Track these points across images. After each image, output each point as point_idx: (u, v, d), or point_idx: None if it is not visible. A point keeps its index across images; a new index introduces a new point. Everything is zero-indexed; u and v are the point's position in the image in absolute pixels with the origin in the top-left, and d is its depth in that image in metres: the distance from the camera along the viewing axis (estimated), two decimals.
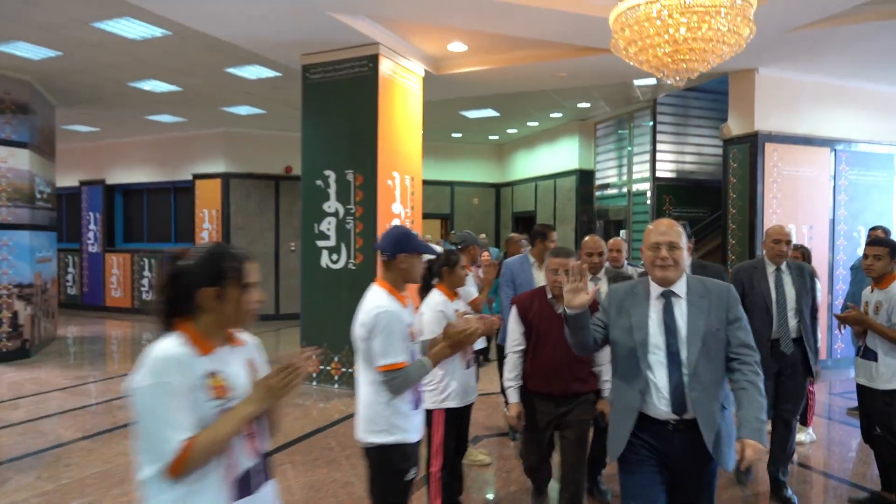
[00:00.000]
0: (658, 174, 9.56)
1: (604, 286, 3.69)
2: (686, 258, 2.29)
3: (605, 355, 3.05)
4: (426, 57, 7.02)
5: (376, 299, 2.38)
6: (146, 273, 12.65)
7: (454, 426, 3.22)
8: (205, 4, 5.24)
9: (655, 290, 2.30)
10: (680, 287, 2.29)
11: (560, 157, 11.69)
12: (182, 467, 1.47)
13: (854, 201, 7.76)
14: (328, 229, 6.50)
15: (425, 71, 7.07)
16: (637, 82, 8.26)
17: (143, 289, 12.69)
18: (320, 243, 6.55)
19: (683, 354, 2.21)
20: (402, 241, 2.44)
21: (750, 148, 7.32)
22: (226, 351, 1.65)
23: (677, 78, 3.64)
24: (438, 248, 3.66)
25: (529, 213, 12.58)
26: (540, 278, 4.07)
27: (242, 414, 1.55)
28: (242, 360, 1.69)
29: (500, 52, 6.80)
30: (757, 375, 2.23)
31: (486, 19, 5.59)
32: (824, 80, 7.49)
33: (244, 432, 1.59)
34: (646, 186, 9.82)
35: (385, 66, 6.32)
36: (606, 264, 4.06)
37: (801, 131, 7.45)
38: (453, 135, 12.47)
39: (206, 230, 11.81)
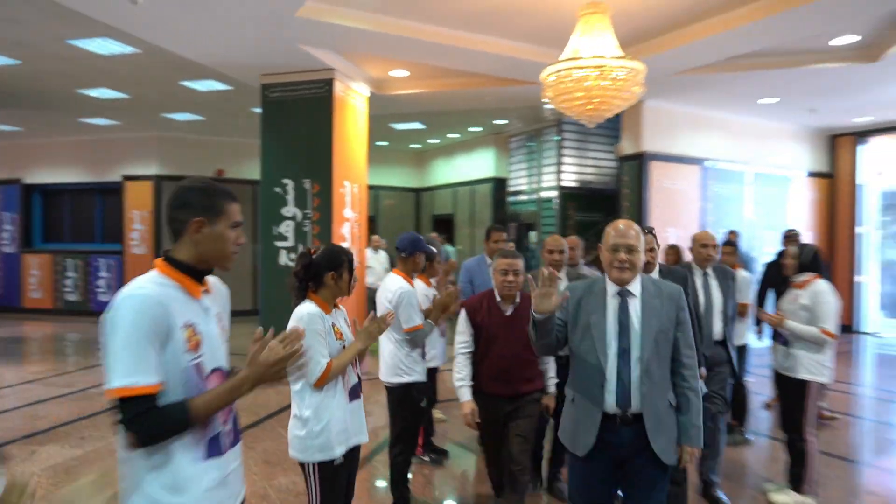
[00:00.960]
0: (563, 183, 11.02)
1: (562, 284, 3.78)
2: (642, 260, 2.41)
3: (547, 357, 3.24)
4: (372, 80, 7.99)
5: (398, 282, 3.42)
6: (70, 274, 12.66)
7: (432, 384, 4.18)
8: (185, 31, 5.93)
9: (612, 288, 2.39)
10: (635, 287, 2.39)
11: (477, 165, 12.96)
12: (325, 380, 2.46)
13: (717, 209, 9.53)
14: (286, 231, 7.33)
15: (370, 92, 8.05)
16: (547, 106, 9.63)
17: (66, 290, 12.68)
18: (279, 244, 7.37)
19: (635, 352, 2.31)
20: (417, 243, 3.50)
21: (638, 164, 8.88)
22: (336, 313, 2.64)
23: (590, 120, 4.88)
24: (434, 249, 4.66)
25: (448, 216, 13.77)
26: None
27: (353, 351, 2.55)
28: (342, 320, 2.69)
29: (437, 78, 7.89)
30: (696, 380, 2.37)
31: (429, 56, 6.67)
32: (695, 110, 9.19)
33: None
34: (553, 194, 11.26)
35: (338, 88, 7.24)
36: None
37: (677, 151, 9.10)
38: (378, 143, 13.43)
39: (137, 231, 12.07)
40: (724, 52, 6.40)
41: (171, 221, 1.65)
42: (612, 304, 2.37)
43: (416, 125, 11.40)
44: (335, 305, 2.65)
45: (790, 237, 6.49)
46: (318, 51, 6.54)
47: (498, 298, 3.21)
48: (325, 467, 2.49)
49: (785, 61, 6.96)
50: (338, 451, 2.50)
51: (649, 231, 3.35)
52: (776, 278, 5.56)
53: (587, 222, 11.12)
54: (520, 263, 3.12)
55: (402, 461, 3.48)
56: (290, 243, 7.32)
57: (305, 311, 2.49)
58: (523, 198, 12.16)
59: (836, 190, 10.92)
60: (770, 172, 10.19)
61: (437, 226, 14.22)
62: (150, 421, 1.44)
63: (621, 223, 2.42)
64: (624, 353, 2.30)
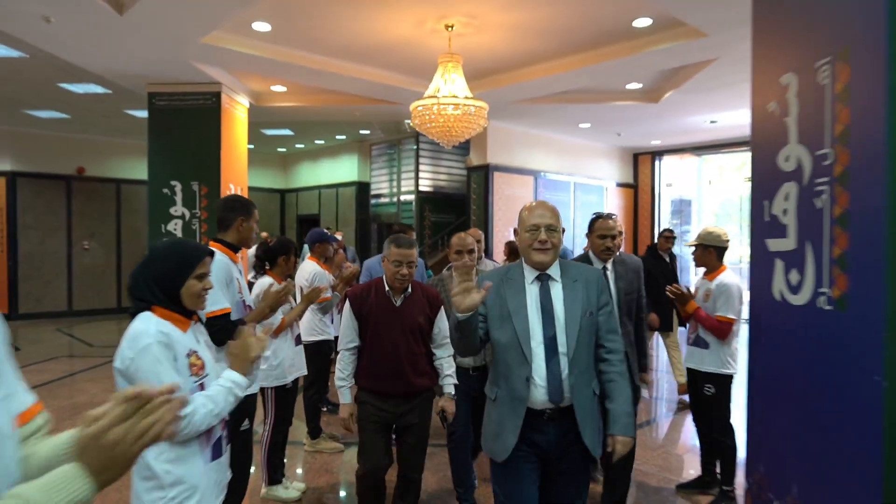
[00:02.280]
0: (420, 188, 12.47)
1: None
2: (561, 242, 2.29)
3: (446, 348, 3.04)
4: (253, 93, 8.83)
5: (313, 266, 4.53)
6: None
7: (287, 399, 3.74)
8: (86, 45, 6.46)
9: (530, 274, 2.26)
10: (555, 271, 2.27)
11: (341, 170, 14.03)
12: (282, 328, 3.55)
13: None
14: (175, 229, 7.97)
15: (250, 103, 8.88)
16: (408, 121, 11.01)
17: None
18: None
19: (562, 339, 2.17)
20: (323, 235, 4.63)
21: (484, 174, 10.52)
22: (284, 286, 3.73)
23: (447, 143, 6.27)
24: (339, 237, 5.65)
25: (314, 216, 14.68)
26: None
27: (298, 309, 3.64)
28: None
29: (312, 94, 8.92)
30: (623, 364, 2.26)
31: (311, 79, 7.72)
32: (530, 131, 11.04)
33: None
34: (411, 197, 12.67)
35: (225, 100, 8.03)
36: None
37: (516, 164, 10.88)
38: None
39: None
40: (549, 89, 8.15)
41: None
42: (531, 290, 2.23)
43: (286, 131, 12.23)
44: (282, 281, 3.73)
45: (668, 237, 6.48)
46: (209, 68, 7.33)
47: (387, 288, 2.96)
48: (279, 391, 3.65)
49: (595, 97, 8.89)
50: (288, 379, 3.66)
51: (609, 216, 3.37)
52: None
53: (441, 223, 12.72)
54: (415, 254, 2.91)
55: (317, 399, 4.60)
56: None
57: (267, 281, 3.55)
58: (384, 200, 13.44)
59: (638, 197, 13.43)
60: (588, 183, 12.38)
61: (301, 226, 15.06)
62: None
63: (535, 203, 2.31)
64: (550, 343, 2.16)
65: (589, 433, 2.19)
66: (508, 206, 10.71)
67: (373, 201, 13.64)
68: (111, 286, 12.67)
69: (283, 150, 14.77)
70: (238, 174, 8.55)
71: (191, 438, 1.75)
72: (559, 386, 2.14)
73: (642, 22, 6.05)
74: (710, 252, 3.75)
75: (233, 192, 8.33)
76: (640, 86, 8.43)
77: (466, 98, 5.97)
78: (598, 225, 3.38)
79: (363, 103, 8.98)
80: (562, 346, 2.17)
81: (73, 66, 7.26)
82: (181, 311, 1.85)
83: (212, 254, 1.97)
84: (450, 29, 6.18)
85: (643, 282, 3.46)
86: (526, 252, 2.26)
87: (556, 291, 2.24)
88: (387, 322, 2.93)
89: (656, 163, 13.28)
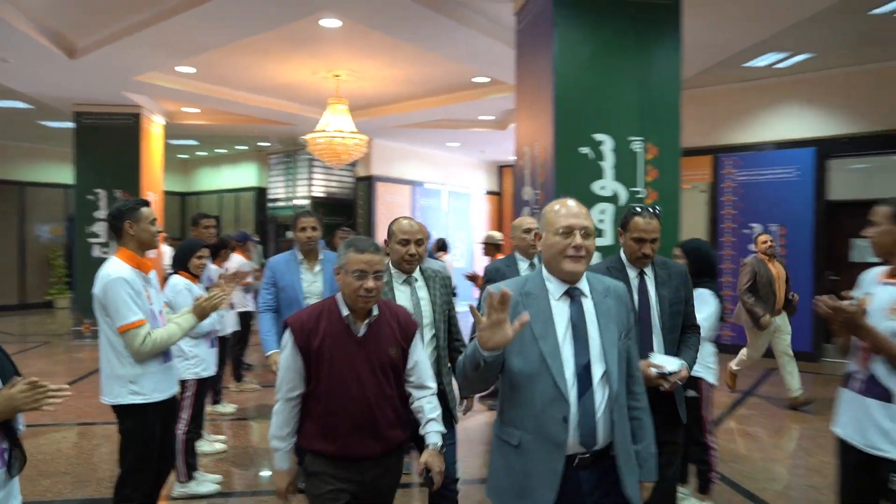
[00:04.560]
0: (313, 193, 14.18)
1: (421, 287, 2.84)
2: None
3: (428, 387, 2.28)
4: (168, 113, 10.27)
5: (240, 260, 6.27)
6: None
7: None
8: (30, 75, 7.74)
9: (557, 288, 1.84)
10: (584, 284, 1.87)
11: (242, 176, 15.41)
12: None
13: (425, 218, 13.58)
14: (100, 231, 9.29)
15: (166, 121, 10.30)
16: (302, 137, 12.74)
17: None
18: (91, 240, 9.29)
19: (597, 369, 1.78)
20: (249, 236, 6.39)
21: (368, 184, 12.47)
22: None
23: (336, 165, 8.18)
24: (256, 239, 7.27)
25: (215, 219, 15.94)
26: (311, 281, 3.70)
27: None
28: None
29: (222, 115, 10.48)
30: (646, 398, 1.95)
31: (224, 107, 9.33)
32: (409, 147, 13.13)
33: None
34: (305, 202, 14.36)
35: (144, 121, 9.44)
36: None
37: (396, 175, 12.91)
38: None
39: None
40: (418, 119, 10.26)
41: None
42: (560, 308, 1.82)
43: (191, 141, 13.54)
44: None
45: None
46: (135, 96, 8.76)
47: (345, 313, 2.13)
48: (200, 384, 3.95)
49: (457, 124, 11.10)
50: (204, 374, 3.95)
51: (656, 214, 2.69)
52: None
53: (333, 224, 14.50)
54: (382, 261, 2.14)
55: (239, 354, 6.34)
56: (103, 240, 9.31)
57: (182, 283, 3.80)
58: (281, 204, 15.03)
59: (502, 204, 15.89)
60: (459, 191, 14.65)
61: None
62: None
63: (565, 200, 1.87)
64: (584, 373, 1.76)
65: (631, 482, 1.80)
66: (390, 211, 12.71)
67: (270, 205, 15.16)
68: (13, 283, 13.35)
69: (186, 156, 15.92)
70: (154, 182, 9.96)
71: (155, 356, 2.72)
72: (593, 426, 1.75)
73: (481, 79, 8.25)
74: (490, 248, 5.64)
75: (150, 198, 9.76)
76: (492, 117, 10.71)
77: (351, 133, 7.91)
78: (635, 224, 2.62)
79: (265, 124, 10.66)
80: (597, 377, 1.77)
81: (4, 86, 8.42)
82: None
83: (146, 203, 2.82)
84: (338, 77, 8.08)
85: (692, 290, 2.82)
86: (555, 260, 1.81)
87: (589, 309, 1.83)
88: (348, 359, 2.10)
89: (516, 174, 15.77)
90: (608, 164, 4.32)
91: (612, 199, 4.31)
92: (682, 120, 4.52)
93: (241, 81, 8.45)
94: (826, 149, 7.90)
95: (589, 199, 4.28)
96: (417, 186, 13.48)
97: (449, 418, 2.73)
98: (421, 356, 2.30)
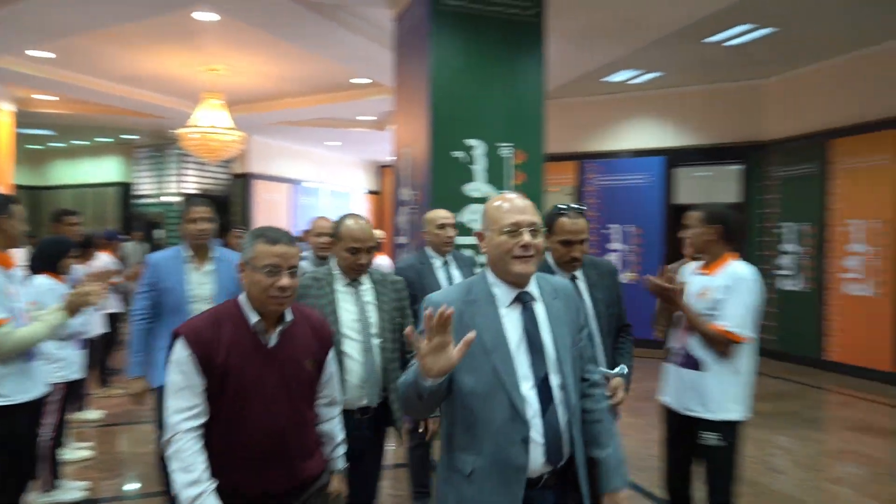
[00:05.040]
0: (183, 190, 13.57)
1: (368, 291, 2.53)
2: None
3: (335, 404, 2.02)
4: (18, 99, 9.46)
5: (107, 258, 5.97)
6: None
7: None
8: None
9: (506, 293, 1.66)
10: (534, 287, 1.69)
11: (104, 170, 14.43)
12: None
13: (303, 216, 13.42)
14: None
15: (17, 108, 9.49)
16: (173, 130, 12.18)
17: None
18: None
19: (555, 380, 1.61)
20: (116, 235, 6.09)
21: (245, 181, 12.17)
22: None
23: (211, 161, 7.96)
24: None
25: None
26: (200, 283, 3.13)
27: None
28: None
29: (83, 104, 9.80)
30: (606, 399, 1.80)
31: (85, 95, 8.76)
32: (288, 145, 12.95)
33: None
34: (175, 198, 13.71)
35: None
36: (307, 254, 3.81)
37: (275, 173, 12.69)
38: None
39: None
40: (296, 117, 10.20)
41: None
42: (510, 315, 1.64)
43: (47, 131, 12.50)
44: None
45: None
46: None
47: (253, 320, 1.78)
48: (70, 386, 3.83)
49: (337, 123, 11.12)
50: (71, 377, 3.87)
51: (582, 212, 2.49)
52: None
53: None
54: (297, 254, 1.81)
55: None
56: None
57: (45, 283, 3.49)
58: (148, 200, 14.24)
59: (382, 204, 16.06)
60: (340, 190, 14.63)
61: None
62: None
63: (508, 196, 1.70)
64: (544, 386, 1.59)
65: (585, 493, 1.66)
66: (268, 209, 12.48)
67: (137, 201, 14.32)
68: None
69: (40, 147, 14.63)
70: (4, 174, 9.15)
71: (18, 355, 2.58)
72: (559, 443, 1.60)
73: (360, 80, 8.37)
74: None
75: None
76: (372, 117, 10.84)
77: (228, 129, 7.75)
78: (561, 226, 2.43)
79: (133, 116, 10.11)
80: (556, 389, 1.61)
81: None
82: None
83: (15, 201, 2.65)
84: (213, 71, 7.87)
85: (621, 287, 2.68)
86: (502, 262, 1.63)
87: (541, 315, 1.67)
88: (257, 375, 1.76)
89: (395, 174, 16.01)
90: (480, 167, 4.64)
91: (484, 200, 4.62)
92: (548, 128, 4.94)
93: (108, 70, 8.00)
94: (674, 158, 8.82)
95: (462, 201, 4.57)
96: (297, 185, 13.32)
97: (381, 440, 2.63)
98: (334, 367, 2.05)
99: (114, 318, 6.18)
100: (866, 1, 5.56)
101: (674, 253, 8.84)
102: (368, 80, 8.30)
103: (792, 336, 7.88)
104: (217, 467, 1.73)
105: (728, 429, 2.57)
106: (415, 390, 1.54)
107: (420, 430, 2.90)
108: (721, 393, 2.55)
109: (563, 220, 2.46)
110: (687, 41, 6.56)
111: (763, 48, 6.87)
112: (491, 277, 1.71)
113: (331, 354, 1.98)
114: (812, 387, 6.82)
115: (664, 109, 8.88)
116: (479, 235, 1.74)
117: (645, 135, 9.04)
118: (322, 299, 2.45)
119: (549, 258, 2.53)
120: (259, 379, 1.77)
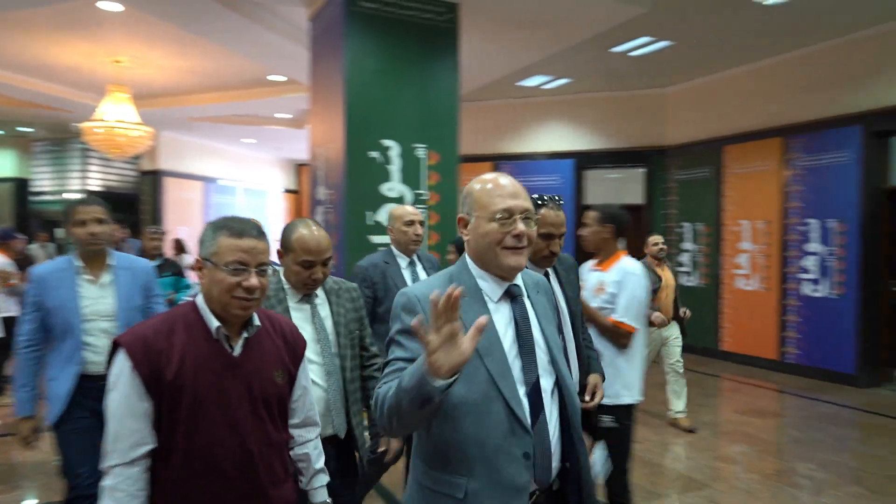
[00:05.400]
0: (88, 186, 12.88)
1: (322, 304, 2.26)
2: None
3: (313, 426, 1.77)
4: None
5: (1, 259, 5.62)
6: None
7: None
8: None
9: (493, 287, 1.48)
10: (520, 279, 1.53)
11: None
12: None
13: (218, 215, 13.08)
14: None
15: None
16: (75, 124, 11.55)
17: None
18: None
19: (546, 384, 1.44)
20: (10, 233, 5.74)
21: (155, 178, 11.71)
22: None
23: (118, 157, 7.64)
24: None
25: None
26: (96, 298, 2.64)
27: None
28: None
29: None
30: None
31: None
32: (202, 141, 12.55)
33: None
34: (78, 196, 12.99)
35: None
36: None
37: (187, 170, 12.28)
38: None
39: None
40: (208, 113, 9.94)
41: None
42: (501, 312, 1.46)
43: None
44: None
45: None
46: None
47: (214, 324, 1.52)
48: None
49: (253, 120, 10.90)
50: None
51: (560, 204, 2.36)
52: None
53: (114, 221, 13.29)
54: (267, 251, 1.58)
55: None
56: None
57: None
58: (48, 197, 13.41)
59: (300, 202, 15.84)
60: (256, 188, 14.32)
61: None
62: None
63: (496, 176, 1.51)
64: (534, 392, 1.42)
65: None
66: (181, 207, 12.05)
67: (34, 198, 13.45)
68: None
69: None
70: None
71: None
72: (549, 457, 1.42)
73: (277, 78, 8.26)
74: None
75: None
76: (289, 115, 10.69)
77: (135, 124, 7.46)
78: (543, 218, 2.28)
79: (31, 107, 9.52)
80: (547, 394, 1.45)
81: None
82: None
83: None
84: (119, 63, 7.55)
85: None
86: (491, 253, 1.45)
87: (530, 311, 1.52)
88: (219, 391, 1.50)
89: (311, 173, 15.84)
90: (395, 167, 4.73)
91: (399, 200, 4.72)
92: (464, 130, 5.09)
93: (3, 58, 7.51)
94: (583, 161, 9.23)
95: (378, 200, 4.65)
96: (211, 183, 12.93)
97: (353, 472, 2.27)
98: (309, 381, 1.77)
99: (9, 323, 5.84)
100: (753, 21, 6.06)
101: (580, 251, 9.24)
102: (285, 78, 8.21)
103: (691, 329, 8.41)
104: (177, 496, 1.47)
105: (622, 411, 2.78)
106: (416, 397, 1.24)
107: (380, 450, 2.47)
108: (615, 379, 2.76)
109: (545, 211, 2.31)
110: (594, 50, 6.89)
111: (663, 59, 7.32)
112: (476, 270, 1.51)
113: (303, 366, 1.72)
114: (709, 375, 7.34)
115: (574, 114, 9.27)
116: (462, 220, 1.53)
117: (556, 138, 9.40)
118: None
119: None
120: (222, 395, 1.50)
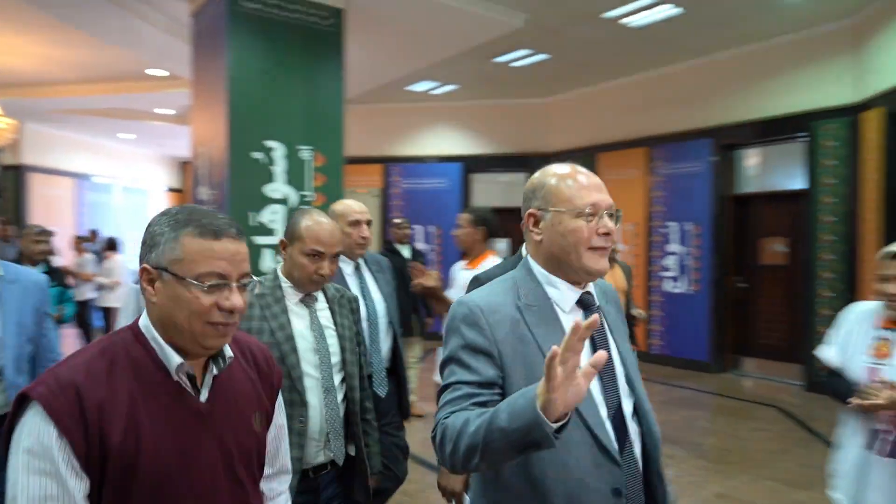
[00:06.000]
0: None
1: (323, 309, 2.07)
2: None
3: (284, 475, 1.38)
4: None
5: None
6: None
7: None
8: None
9: (564, 295, 1.30)
10: (591, 288, 1.36)
11: None
12: None
13: (92, 214, 12.29)
14: None
15: None
16: None
17: None
18: None
19: (629, 406, 1.28)
20: None
21: (19, 174, 10.85)
22: None
23: None
24: None
25: None
26: None
27: None
28: None
29: None
30: None
31: None
32: (74, 135, 11.76)
33: None
34: None
35: None
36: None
37: (55, 166, 11.46)
38: None
39: None
40: (79, 105, 9.38)
41: None
42: (571, 322, 1.10)
43: None
44: None
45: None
46: None
47: (173, 362, 1.11)
48: None
49: (131, 115, 10.37)
50: None
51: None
52: None
53: None
54: (248, 256, 1.16)
55: None
56: None
57: None
58: None
59: (185, 202, 15.19)
60: (135, 186, 13.59)
61: None
62: None
63: (575, 168, 1.34)
64: (618, 416, 1.26)
65: None
66: (48, 206, 11.23)
67: None
68: None
69: None
70: None
71: None
72: (640, 494, 1.26)
73: (157, 72, 7.95)
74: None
75: None
76: (172, 111, 10.28)
77: None
78: None
79: None
80: (630, 419, 1.28)
81: None
82: None
83: None
84: None
85: None
86: (574, 254, 1.27)
87: (607, 326, 1.35)
88: (184, 455, 1.10)
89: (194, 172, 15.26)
90: (280, 168, 4.76)
91: (283, 201, 4.75)
92: (355, 132, 5.20)
93: None
94: (471, 164, 9.58)
95: (262, 201, 4.66)
96: (83, 180, 12.15)
97: (361, 499, 2.02)
98: (284, 418, 1.37)
99: None
100: (620, 40, 6.60)
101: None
102: (167, 73, 7.92)
103: None
104: None
105: None
106: (521, 441, 1.03)
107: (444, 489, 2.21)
108: None
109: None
110: (478, 59, 7.21)
111: (542, 71, 7.77)
112: (544, 274, 1.32)
113: (279, 401, 1.33)
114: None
115: (462, 119, 9.61)
116: (532, 216, 1.32)
117: (445, 142, 9.70)
118: (271, 322, 1.88)
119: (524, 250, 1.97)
120: (188, 459, 1.09)
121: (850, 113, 6.15)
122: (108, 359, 1.08)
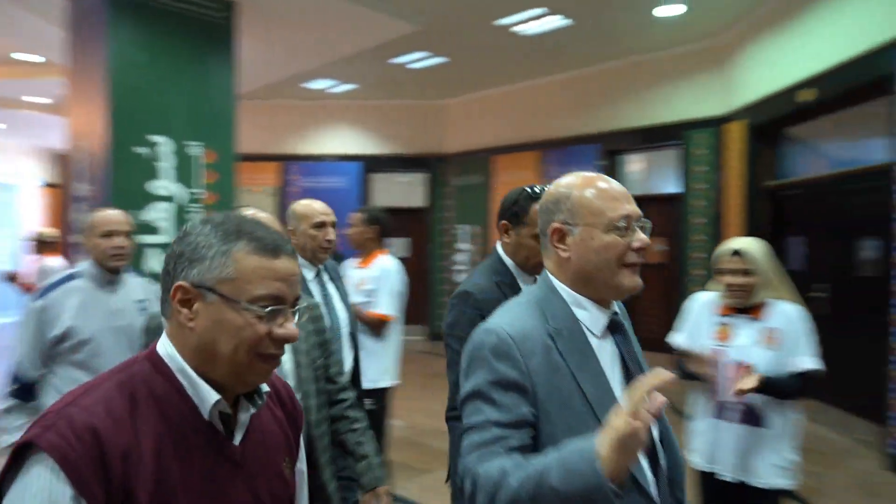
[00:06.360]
0: None
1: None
2: None
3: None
4: None
5: None
6: None
7: None
8: None
9: (594, 317, 1.22)
10: (616, 306, 1.28)
11: None
12: None
13: None
14: None
15: None
16: None
17: None
18: None
19: (655, 433, 1.23)
20: None
21: None
22: None
23: None
24: None
25: None
26: None
27: None
28: None
29: None
30: None
31: None
32: None
33: None
34: None
35: None
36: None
37: None
38: None
39: None
40: None
41: None
42: (604, 350, 1.21)
43: None
44: None
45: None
46: None
47: (209, 399, 0.93)
48: None
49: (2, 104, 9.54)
50: None
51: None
52: None
53: None
54: (299, 272, 1.01)
55: None
56: None
57: None
58: None
59: (64, 198, 14.11)
60: (3, 181, 12.48)
61: None
62: None
63: (603, 177, 1.26)
64: (650, 451, 1.21)
65: None
66: None
67: None
68: None
69: None
70: None
71: None
72: None
73: (27, 57, 7.37)
74: (41, 247, 5.65)
75: None
76: (47, 100, 9.53)
77: None
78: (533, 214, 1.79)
79: None
80: (659, 447, 1.23)
81: None
82: None
83: None
84: None
85: None
86: (607, 271, 1.19)
87: (633, 346, 1.30)
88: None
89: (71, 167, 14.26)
90: (166, 165, 4.57)
91: (170, 199, 4.57)
92: (250, 129, 5.07)
93: None
94: (370, 164, 9.58)
95: (145, 199, 4.47)
96: None
97: None
98: (304, 462, 1.21)
99: None
100: (513, 47, 6.84)
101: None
102: (42, 59, 7.37)
103: None
104: None
105: (381, 394, 3.08)
106: (576, 502, 0.95)
107: None
108: (373, 366, 3.05)
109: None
110: (375, 60, 7.24)
111: (440, 74, 7.91)
112: (567, 293, 1.22)
113: (301, 443, 1.18)
114: None
115: (361, 119, 9.59)
116: (558, 231, 1.21)
117: (344, 141, 9.64)
118: None
119: (506, 258, 1.89)
120: None
121: (717, 124, 6.73)
122: (127, 395, 0.89)
